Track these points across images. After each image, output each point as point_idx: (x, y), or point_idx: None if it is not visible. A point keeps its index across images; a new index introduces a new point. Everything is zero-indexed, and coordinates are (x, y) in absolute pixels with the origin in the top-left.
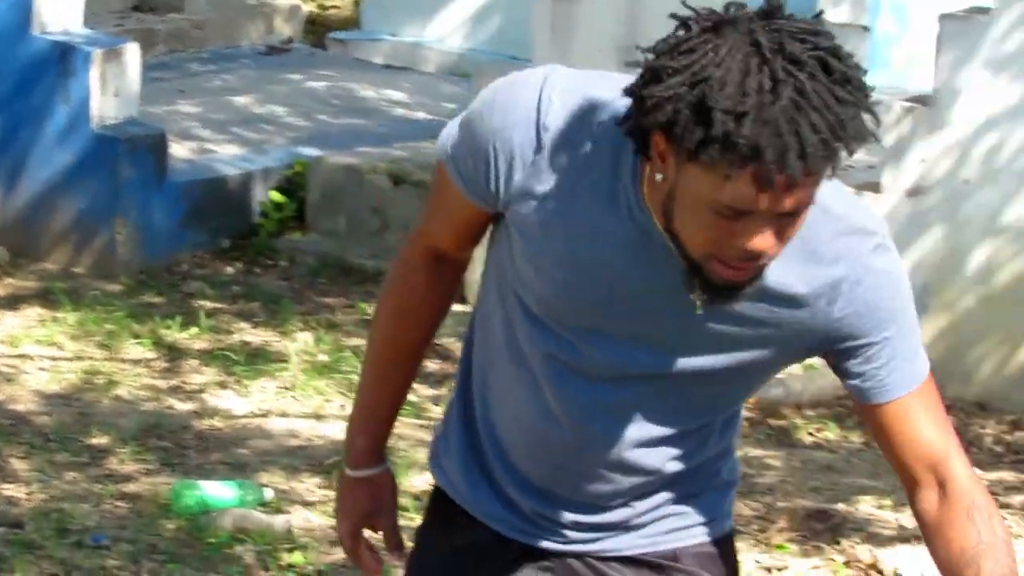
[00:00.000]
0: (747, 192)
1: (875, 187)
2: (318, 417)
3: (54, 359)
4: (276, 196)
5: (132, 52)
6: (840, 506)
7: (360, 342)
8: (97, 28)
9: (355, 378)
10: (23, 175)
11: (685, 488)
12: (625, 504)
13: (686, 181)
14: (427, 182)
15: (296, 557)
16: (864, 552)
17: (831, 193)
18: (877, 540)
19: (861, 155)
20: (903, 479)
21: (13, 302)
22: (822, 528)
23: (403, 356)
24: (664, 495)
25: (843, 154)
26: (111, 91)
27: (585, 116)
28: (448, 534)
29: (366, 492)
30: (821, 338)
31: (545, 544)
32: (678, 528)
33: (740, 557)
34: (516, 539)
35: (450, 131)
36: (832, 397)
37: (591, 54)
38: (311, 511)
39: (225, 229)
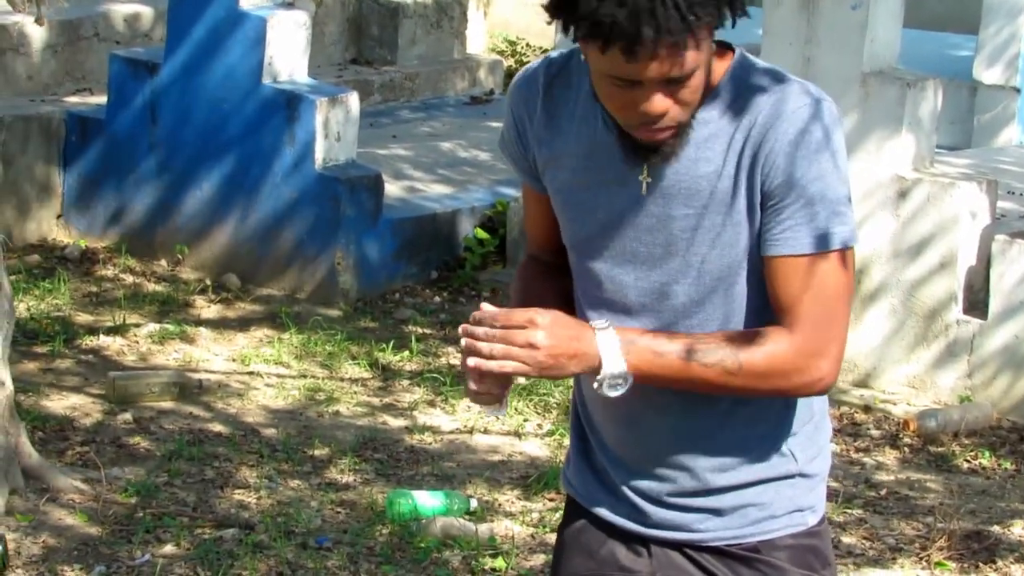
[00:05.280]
0: (620, 63)
1: None
2: (518, 435)
3: (280, 377)
4: (480, 232)
5: (352, 100)
6: (995, 528)
7: None
8: (320, 79)
9: (551, 399)
10: (253, 209)
11: (753, 458)
12: (696, 468)
13: (589, 61)
14: None
15: (498, 562)
16: (1018, 572)
17: (787, 75)
18: None
19: (1012, 205)
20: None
21: (243, 324)
22: (979, 548)
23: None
24: (735, 467)
25: (700, 20)
26: (333, 135)
27: (575, 58)
28: (570, 526)
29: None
30: (747, 187)
31: (644, 530)
32: (761, 519)
33: (902, 573)
34: (617, 523)
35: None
36: (986, 427)
37: None
38: (512, 520)
39: (433, 262)
